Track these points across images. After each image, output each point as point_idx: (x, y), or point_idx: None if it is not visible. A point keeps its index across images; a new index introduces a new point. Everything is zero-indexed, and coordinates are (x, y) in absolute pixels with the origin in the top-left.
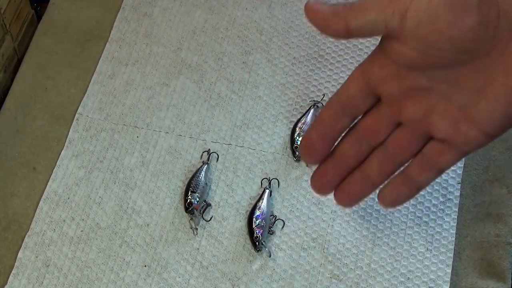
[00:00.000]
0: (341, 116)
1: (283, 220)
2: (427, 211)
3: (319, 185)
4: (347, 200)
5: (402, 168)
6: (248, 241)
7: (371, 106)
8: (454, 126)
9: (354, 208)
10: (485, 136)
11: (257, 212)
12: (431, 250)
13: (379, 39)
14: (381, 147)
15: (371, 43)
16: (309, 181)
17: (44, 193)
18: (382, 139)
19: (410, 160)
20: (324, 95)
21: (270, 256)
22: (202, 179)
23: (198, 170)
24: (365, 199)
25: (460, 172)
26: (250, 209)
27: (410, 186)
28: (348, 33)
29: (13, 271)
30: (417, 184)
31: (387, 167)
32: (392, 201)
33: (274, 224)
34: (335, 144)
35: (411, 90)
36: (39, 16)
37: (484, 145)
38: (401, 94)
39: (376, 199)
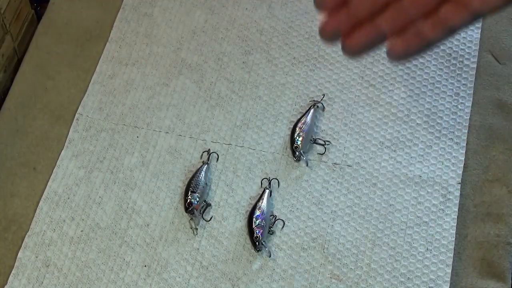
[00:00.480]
0: None
1: (283, 220)
2: (427, 211)
3: (328, 32)
4: (354, 48)
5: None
6: (248, 241)
7: None
8: None
9: (354, 208)
10: (502, 1)
11: (257, 212)
12: (431, 250)
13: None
14: (397, 2)
15: None
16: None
17: (44, 193)
18: None
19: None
20: (324, 95)
21: (270, 256)
22: (202, 179)
23: (198, 170)
24: (372, 51)
25: (460, 172)
26: (250, 209)
27: (420, 41)
28: None
29: (13, 271)
30: (428, 40)
31: (399, 20)
32: (401, 52)
33: (274, 224)
34: None
35: None
36: (39, 16)
37: (498, 9)
38: None
39: (376, 199)
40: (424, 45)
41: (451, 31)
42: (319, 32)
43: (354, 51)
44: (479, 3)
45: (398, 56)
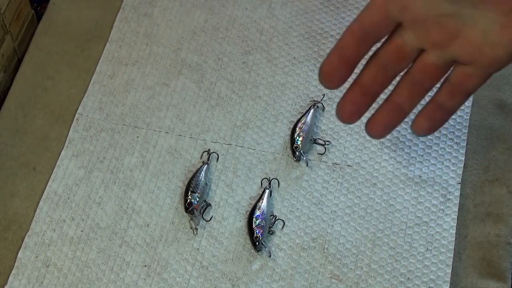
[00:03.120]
0: (363, 41)
1: (283, 220)
2: (427, 211)
3: (348, 113)
4: (380, 130)
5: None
6: (248, 241)
7: (391, 32)
8: (479, 50)
9: (354, 208)
10: (510, 57)
11: (257, 212)
12: (431, 250)
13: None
14: (408, 75)
15: None
16: (339, 109)
17: (44, 193)
18: (406, 66)
19: (438, 86)
20: (324, 95)
21: (270, 256)
22: (202, 179)
23: (198, 170)
24: (396, 127)
25: (460, 172)
26: (250, 209)
27: (442, 112)
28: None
29: (13, 271)
30: (448, 109)
31: (416, 94)
32: (427, 128)
33: (274, 224)
34: (359, 72)
35: (436, 15)
36: (39, 16)
37: (509, 63)
38: (425, 19)
39: (376, 199)
40: (446, 115)
41: (467, 95)
42: (337, 113)
43: (380, 133)
44: (488, 63)
45: (426, 132)
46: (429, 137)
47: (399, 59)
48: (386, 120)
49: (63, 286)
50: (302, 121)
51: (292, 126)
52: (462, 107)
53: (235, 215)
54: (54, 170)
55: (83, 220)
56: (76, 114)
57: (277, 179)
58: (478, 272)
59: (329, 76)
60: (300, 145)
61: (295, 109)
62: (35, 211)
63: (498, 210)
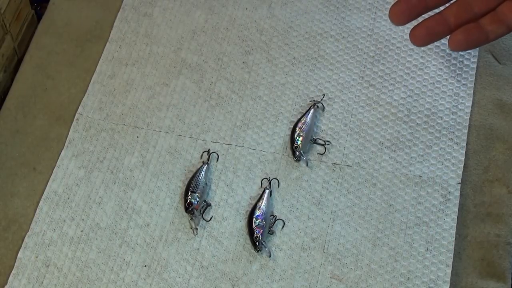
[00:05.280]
0: None
1: (283, 220)
2: (427, 211)
3: (398, 12)
4: (422, 35)
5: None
6: (248, 241)
7: None
8: None
9: (354, 208)
10: None
11: (257, 212)
12: (431, 250)
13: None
14: None
15: (371, 43)
16: (393, 10)
17: (44, 193)
18: None
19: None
20: (324, 95)
21: (270, 256)
22: (202, 179)
23: (198, 170)
24: (436, 40)
25: (460, 172)
26: (250, 209)
27: (479, 34)
28: None
29: (13, 271)
30: (485, 33)
31: (464, 13)
32: (461, 42)
33: (274, 224)
34: None
35: None
36: (39, 16)
37: None
38: None
39: (376, 199)
40: (483, 37)
41: (508, 28)
42: (389, 12)
43: (421, 38)
44: None
45: (459, 46)
46: (429, 137)
47: None
48: (430, 26)
49: (63, 286)
50: (302, 121)
51: (292, 126)
52: (462, 107)
53: (235, 215)
54: (54, 170)
55: (83, 220)
56: (76, 114)
57: (277, 179)
58: (478, 272)
59: (397, 16)
60: (300, 145)
61: (295, 109)
62: (35, 211)
63: (498, 210)
